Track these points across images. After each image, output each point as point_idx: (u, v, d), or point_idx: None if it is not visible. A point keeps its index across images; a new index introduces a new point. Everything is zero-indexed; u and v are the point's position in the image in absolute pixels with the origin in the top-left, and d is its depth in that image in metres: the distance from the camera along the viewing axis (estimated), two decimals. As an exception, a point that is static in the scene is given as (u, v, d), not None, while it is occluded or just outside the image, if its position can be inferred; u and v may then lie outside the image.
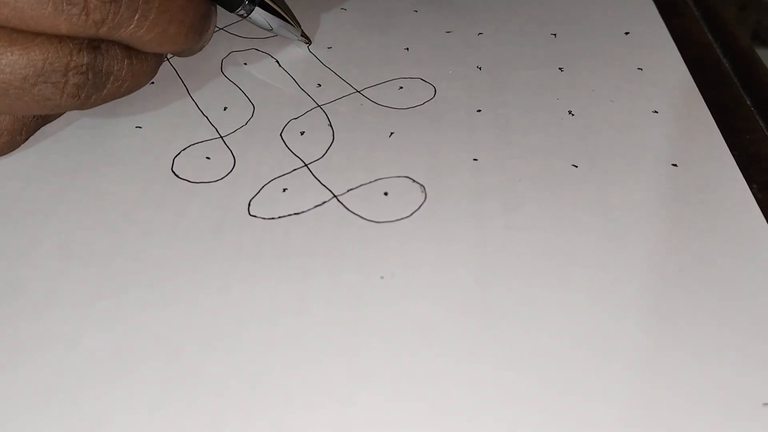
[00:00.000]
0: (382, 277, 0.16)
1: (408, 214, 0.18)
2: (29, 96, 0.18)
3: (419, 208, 0.18)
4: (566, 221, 0.18)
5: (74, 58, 0.18)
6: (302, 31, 0.24)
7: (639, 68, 0.23)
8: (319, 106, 0.22)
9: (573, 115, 0.21)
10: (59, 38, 0.18)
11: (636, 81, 0.23)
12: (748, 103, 0.22)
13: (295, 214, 0.18)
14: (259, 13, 0.22)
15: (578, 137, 0.21)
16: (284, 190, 0.19)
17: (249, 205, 0.19)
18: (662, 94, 0.22)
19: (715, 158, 0.20)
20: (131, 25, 0.18)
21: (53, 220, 0.18)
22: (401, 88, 0.23)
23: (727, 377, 0.14)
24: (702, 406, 0.14)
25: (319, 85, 0.23)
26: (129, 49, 0.19)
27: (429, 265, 0.17)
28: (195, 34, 0.20)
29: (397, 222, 0.18)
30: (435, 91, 0.22)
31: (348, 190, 0.19)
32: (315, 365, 0.15)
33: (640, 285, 0.16)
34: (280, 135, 0.21)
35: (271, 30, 0.24)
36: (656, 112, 0.21)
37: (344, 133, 0.21)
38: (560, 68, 0.23)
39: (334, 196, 0.19)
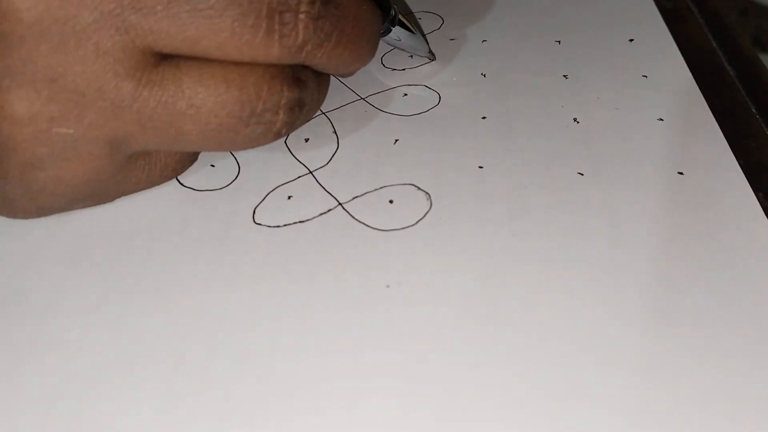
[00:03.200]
0: (388, 286, 0.16)
1: (413, 222, 0.18)
2: (240, 137, 0.16)
3: (425, 215, 0.18)
4: (572, 228, 0.18)
5: (286, 94, 0.16)
6: (429, 48, 0.24)
7: (644, 75, 0.23)
8: (323, 113, 0.22)
9: (578, 122, 0.21)
10: (270, 73, 0.16)
11: (640, 88, 0.23)
12: (753, 110, 0.22)
13: (300, 221, 0.18)
14: (396, 33, 0.22)
15: (583, 144, 0.21)
16: (289, 197, 0.19)
17: (254, 212, 0.19)
18: (667, 101, 0.22)
19: (720, 166, 0.20)
20: (330, 42, 0.16)
21: (58, 227, 0.18)
22: (405, 95, 0.23)
23: (733, 386, 0.14)
24: (706, 414, 0.14)
25: (324, 92, 0.23)
26: (317, 76, 0.18)
27: (435, 273, 0.17)
28: (374, 49, 0.19)
29: (403, 230, 0.18)
30: (439, 98, 0.22)
31: (353, 198, 0.19)
32: (320, 373, 0.15)
33: (645, 293, 0.16)
34: (285, 142, 0.21)
35: (400, 47, 0.23)
36: (661, 119, 0.21)
37: (349, 141, 0.21)
38: (565, 75, 0.23)
39: (339, 203, 0.19)
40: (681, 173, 0.19)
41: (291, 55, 0.16)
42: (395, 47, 0.23)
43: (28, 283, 0.17)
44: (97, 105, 0.15)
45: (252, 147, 0.17)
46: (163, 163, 0.19)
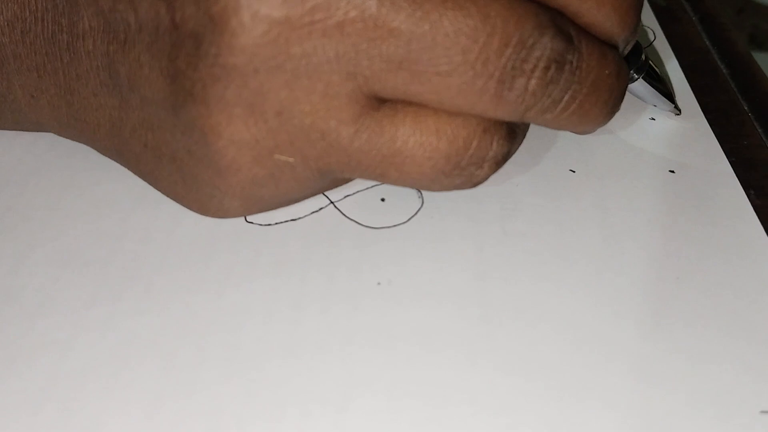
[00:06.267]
0: (379, 284, 0.16)
1: (405, 220, 0.18)
2: (437, 185, 0.16)
3: (416, 213, 0.18)
4: (563, 226, 0.18)
5: (494, 148, 0.16)
6: (675, 102, 0.21)
7: (636, 74, 0.23)
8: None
9: (570, 120, 0.21)
10: (483, 127, 0.15)
11: (633, 86, 0.23)
12: (745, 108, 0.22)
13: (291, 220, 0.18)
14: (640, 83, 0.20)
15: (575, 142, 0.21)
16: (281, 195, 0.19)
17: (246, 210, 0.19)
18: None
19: (711, 164, 0.20)
20: (558, 107, 0.15)
21: (48, 227, 0.18)
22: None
23: (725, 385, 0.14)
24: (699, 413, 0.14)
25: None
26: (525, 125, 0.17)
27: (426, 271, 0.17)
28: (611, 114, 0.17)
29: (395, 228, 0.18)
30: (432, 96, 0.22)
31: (345, 196, 0.19)
32: (311, 373, 0.15)
33: (637, 291, 0.16)
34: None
35: (637, 94, 0.21)
36: (653, 118, 0.21)
37: (341, 139, 0.21)
38: (557, 74, 0.23)
39: (331, 202, 0.19)
40: (672, 171, 0.19)
41: (512, 116, 0.15)
42: (632, 94, 0.21)
43: (18, 283, 0.17)
44: (317, 143, 0.15)
45: (447, 191, 0.17)
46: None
